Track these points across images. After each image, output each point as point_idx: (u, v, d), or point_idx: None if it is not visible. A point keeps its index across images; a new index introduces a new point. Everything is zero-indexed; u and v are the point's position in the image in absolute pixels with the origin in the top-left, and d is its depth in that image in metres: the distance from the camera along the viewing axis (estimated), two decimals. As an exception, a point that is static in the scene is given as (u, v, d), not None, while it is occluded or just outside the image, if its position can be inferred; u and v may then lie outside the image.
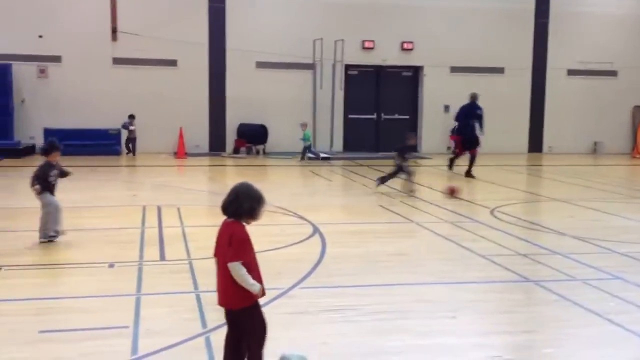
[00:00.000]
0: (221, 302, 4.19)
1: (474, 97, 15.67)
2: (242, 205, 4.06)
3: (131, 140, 18.44)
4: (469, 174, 14.98)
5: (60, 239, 8.01)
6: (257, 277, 4.09)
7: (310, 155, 18.60)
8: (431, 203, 11.41)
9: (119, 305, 5.84)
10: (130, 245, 8.07)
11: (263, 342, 4.18)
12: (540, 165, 13.71)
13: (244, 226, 4.10)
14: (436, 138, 20.91)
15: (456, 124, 16.33)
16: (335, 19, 19.97)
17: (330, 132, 19.80)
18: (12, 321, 5.32)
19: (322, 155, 18.71)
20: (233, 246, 4.00)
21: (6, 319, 5.36)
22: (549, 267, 7.34)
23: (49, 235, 7.95)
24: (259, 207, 4.12)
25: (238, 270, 3.98)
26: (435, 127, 20.94)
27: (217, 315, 5.55)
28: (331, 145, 19.76)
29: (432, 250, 8.16)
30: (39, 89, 18.57)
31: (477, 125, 15.13)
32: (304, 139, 18.47)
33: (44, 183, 8.02)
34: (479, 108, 15.48)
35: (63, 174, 8.39)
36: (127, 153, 18.55)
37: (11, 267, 6.90)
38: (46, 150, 8.19)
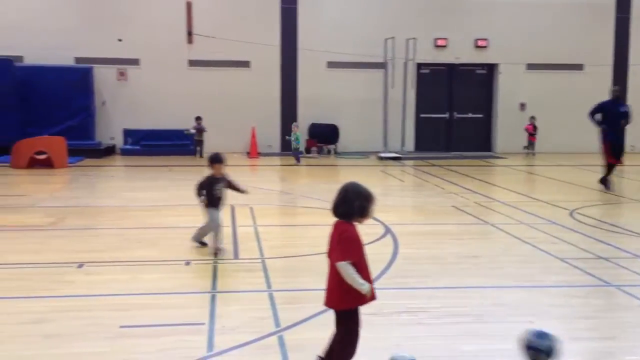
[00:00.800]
0: (326, 302, 4.17)
1: (617, 93, 13.21)
2: (352, 204, 4.04)
3: (199, 142, 18.31)
4: (605, 181, 12.80)
5: (219, 254, 7.57)
6: (367, 277, 4.05)
7: (298, 155, 17.59)
8: (507, 204, 11.14)
9: (195, 302, 5.97)
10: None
11: (350, 350, 4.13)
12: (622, 165, 13.17)
13: (354, 226, 4.07)
14: (511, 137, 20.42)
15: (602, 127, 12.71)
16: (407, 17, 19.80)
17: (402, 132, 19.64)
18: (94, 316, 5.52)
19: (393, 155, 18.55)
20: (341, 245, 3.97)
21: (89, 314, 5.57)
22: (632, 271, 7.04)
23: (199, 240, 7.93)
24: (369, 205, 4.09)
25: (346, 269, 3.93)
26: (510, 126, 20.46)
27: (290, 315, 5.61)
28: (402, 145, 19.61)
29: (508, 252, 7.97)
30: (119, 91, 19.24)
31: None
32: (296, 140, 17.60)
33: (209, 196, 7.72)
34: (625, 105, 13.14)
35: (233, 187, 7.92)
36: (196, 155, 18.33)
37: (93, 264, 7.16)
38: (209, 162, 7.70)
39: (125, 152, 18.75)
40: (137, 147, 18.74)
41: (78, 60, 18.84)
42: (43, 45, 18.42)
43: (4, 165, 15.67)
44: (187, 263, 7.24)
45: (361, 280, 3.97)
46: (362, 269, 4.03)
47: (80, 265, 7.07)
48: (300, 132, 18.16)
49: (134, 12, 18.90)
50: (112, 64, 19.04)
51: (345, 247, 3.97)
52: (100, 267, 7.07)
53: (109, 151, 18.74)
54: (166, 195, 12.20)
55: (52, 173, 14.81)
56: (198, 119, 18.20)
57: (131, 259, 7.41)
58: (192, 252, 7.77)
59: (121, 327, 5.25)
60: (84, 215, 10.18)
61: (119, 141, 19.18)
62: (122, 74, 19.22)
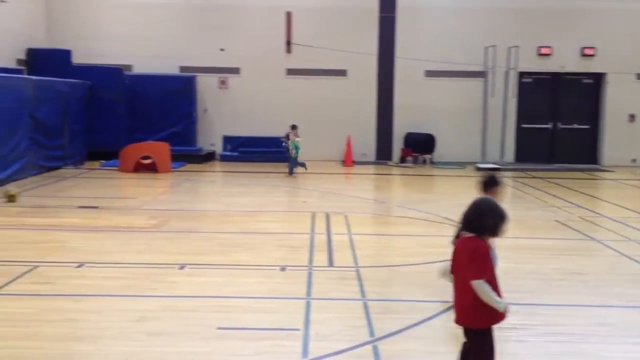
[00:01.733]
0: (458, 320, 4.07)
1: None
2: (486, 221, 3.94)
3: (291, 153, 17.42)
4: None
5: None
6: (498, 294, 3.95)
7: (296, 165, 16.30)
8: (614, 220, 10.60)
9: (291, 307, 6.03)
10: (301, 250, 8.33)
11: None
12: None
13: (485, 242, 3.96)
14: (619, 150, 19.45)
15: None
16: (509, 24, 19.29)
17: (501, 142, 19.12)
18: (193, 317, 5.69)
19: (491, 165, 18.09)
20: (475, 263, 3.87)
21: (189, 314, 5.74)
22: None
23: None
24: (502, 224, 3.97)
25: (483, 288, 3.84)
26: (618, 138, 19.48)
27: (384, 324, 5.57)
28: (502, 156, 19.08)
29: (615, 270, 7.57)
30: (220, 98, 19.82)
31: None
32: (295, 149, 16.12)
33: None
34: None
35: None
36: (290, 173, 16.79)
37: (194, 266, 7.39)
38: (484, 186, 6.33)
39: (224, 158, 19.27)
40: (236, 154, 19.22)
41: (183, 69, 19.58)
42: (150, 54, 19.27)
43: (113, 169, 16.46)
44: (283, 269, 7.34)
45: (497, 298, 3.88)
46: (494, 286, 3.92)
47: (182, 267, 7.31)
48: (300, 139, 16.42)
49: (236, 22, 19.44)
50: (214, 73, 19.65)
51: (479, 264, 3.86)
52: (200, 269, 7.29)
53: (209, 157, 19.32)
54: (263, 201, 12.42)
55: (156, 177, 15.43)
56: (293, 127, 17.44)
57: (229, 263, 7.59)
58: (287, 258, 7.86)
59: (219, 328, 5.38)
60: (186, 218, 10.52)
61: (218, 147, 19.75)
62: (223, 82, 19.81)
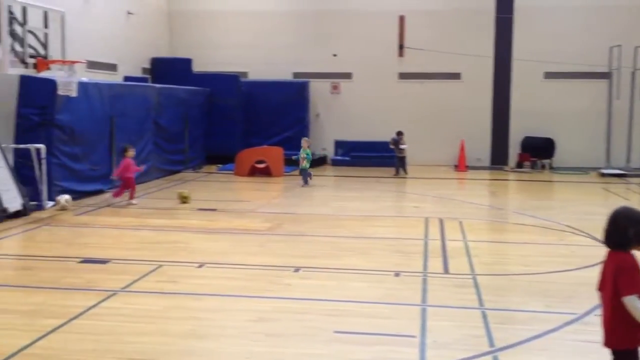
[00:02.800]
0: (606, 342, 3.75)
1: None
2: (626, 232, 3.62)
3: (400, 159, 17.25)
4: None
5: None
6: None
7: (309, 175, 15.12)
8: None
9: (406, 314, 5.96)
10: (414, 255, 8.22)
11: None
12: None
13: (632, 255, 3.65)
14: None
15: None
16: (636, 23, 18.20)
17: (627, 146, 18.03)
18: (309, 319, 5.74)
19: (616, 171, 17.11)
20: (624, 278, 3.57)
21: (305, 317, 5.80)
22: None
23: None
24: None
25: (634, 303, 3.52)
26: None
27: (504, 335, 5.37)
28: (628, 161, 17.99)
29: None
30: (332, 103, 20.02)
31: None
32: (307, 157, 15.06)
33: None
34: None
35: None
36: (395, 174, 16.94)
37: (308, 269, 7.47)
38: None
39: (335, 163, 19.44)
40: (347, 158, 19.33)
41: (296, 75, 19.95)
42: (265, 61, 19.79)
43: (229, 172, 17.01)
44: (397, 274, 7.26)
45: None
46: None
47: (297, 270, 7.41)
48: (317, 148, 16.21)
49: (349, 28, 19.57)
50: (327, 78, 19.87)
51: (627, 279, 3.56)
52: (314, 272, 7.36)
53: (321, 161, 19.53)
54: (375, 206, 12.40)
55: (270, 181, 15.78)
56: (399, 133, 17.25)
57: (342, 267, 7.61)
58: (400, 263, 7.79)
59: (335, 332, 5.39)
60: (299, 222, 10.68)
61: (330, 152, 19.94)
62: (335, 87, 19.99)
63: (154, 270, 7.28)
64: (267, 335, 5.31)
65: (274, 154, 16.82)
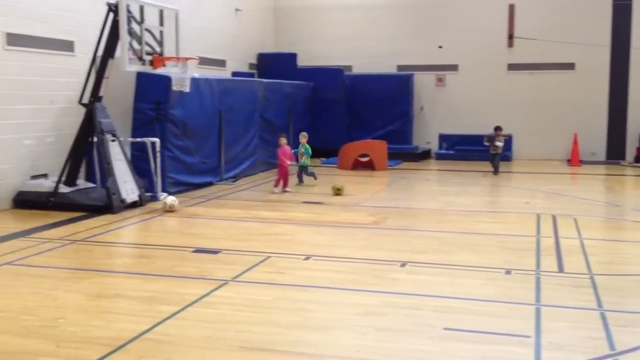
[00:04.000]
0: None
1: None
2: None
3: (494, 156, 15.83)
4: None
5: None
6: None
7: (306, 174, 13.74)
8: None
9: (519, 313, 5.74)
10: (526, 253, 7.93)
11: None
12: None
13: None
14: None
15: None
16: None
17: None
18: (418, 315, 5.65)
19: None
20: None
21: (412, 312, 5.72)
22: None
23: None
24: None
25: None
26: None
27: (626, 338, 5.08)
28: None
29: None
30: (437, 96, 19.69)
31: None
32: (306, 153, 13.69)
33: None
34: None
35: None
36: (494, 173, 15.49)
37: (415, 264, 7.37)
38: None
39: (440, 157, 19.11)
40: (452, 152, 18.96)
41: (400, 67, 19.76)
42: (369, 54, 19.73)
43: (333, 166, 17.10)
44: (508, 272, 7.03)
45: None
46: None
47: (403, 264, 7.33)
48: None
49: (455, 19, 19.16)
50: (432, 71, 19.56)
51: None
52: (421, 268, 7.25)
53: (425, 155, 19.28)
54: (481, 201, 12.09)
55: (373, 175, 15.72)
56: (497, 129, 15.85)
57: (450, 263, 7.45)
58: (512, 261, 7.53)
59: (445, 329, 5.28)
60: (404, 216, 10.57)
61: (434, 145, 19.63)
62: (440, 79, 19.63)
63: (262, 262, 7.42)
64: (376, 329, 5.28)
65: (377, 147, 16.75)
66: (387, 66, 19.67)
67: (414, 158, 18.48)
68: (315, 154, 18.53)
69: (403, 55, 19.63)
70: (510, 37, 18.60)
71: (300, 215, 10.35)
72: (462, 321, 5.50)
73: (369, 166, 16.43)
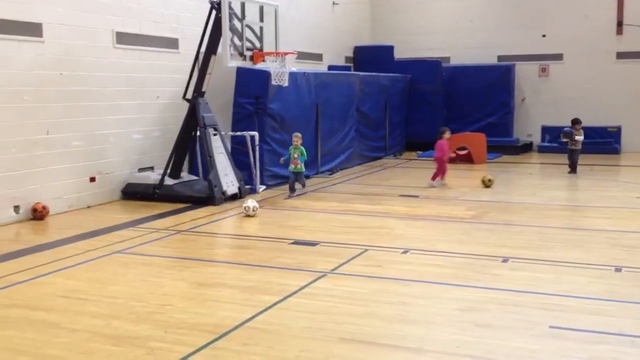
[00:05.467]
0: None
1: None
2: None
3: (573, 152, 14.24)
4: None
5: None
6: None
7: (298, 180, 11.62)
8: None
9: (631, 312, 5.46)
10: (638, 250, 7.52)
11: None
12: None
13: None
14: None
15: None
16: None
17: None
18: (522, 312, 5.47)
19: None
20: None
21: (516, 309, 5.54)
22: None
23: None
24: None
25: None
26: None
27: None
28: None
29: None
30: (539, 87, 19.00)
31: None
32: (300, 157, 11.40)
33: None
34: None
35: None
36: (570, 171, 14.08)
37: (517, 259, 7.15)
38: None
39: (542, 150, 18.45)
40: (555, 145, 18.22)
41: (500, 58, 19.20)
42: (468, 45, 19.30)
43: (429, 159, 16.84)
44: (618, 269, 6.69)
45: None
46: None
47: (505, 260, 7.12)
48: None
49: (559, 6, 18.41)
50: (534, 60, 18.88)
51: None
52: (524, 264, 7.02)
53: (526, 148, 18.67)
54: (589, 196, 11.57)
55: (472, 168, 15.38)
56: (575, 122, 14.31)
57: (555, 259, 7.17)
58: (622, 258, 7.16)
59: (551, 327, 5.09)
60: (505, 210, 10.28)
61: (536, 138, 18.97)
62: (543, 69, 18.93)
63: (360, 254, 7.43)
64: (477, 325, 5.16)
65: (476, 140, 16.37)
66: (486, 57, 19.17)
67: (514, 151, 17.93)
68: (411, 147, 18.46)
69: (504, 46, 19.06)
70: (619, 24, 17.65)
71: (397, 209, 10.28)
72: (569, 319, 5.29)
73: (468, 159, 16.09)
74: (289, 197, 11.33)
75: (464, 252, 7.48)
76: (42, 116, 9.62)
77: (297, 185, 11.62)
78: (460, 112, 18.80)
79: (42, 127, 9.63)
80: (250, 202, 9.76)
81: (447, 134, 12.98)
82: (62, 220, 9.48)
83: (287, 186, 11.71)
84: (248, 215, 9.60)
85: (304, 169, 11.57)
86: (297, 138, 11.45)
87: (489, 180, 12.22)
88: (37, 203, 9.44)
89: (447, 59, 19.56)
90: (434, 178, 12.63)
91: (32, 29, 9.43)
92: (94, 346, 4.76)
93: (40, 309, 5.61)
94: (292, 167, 11.40)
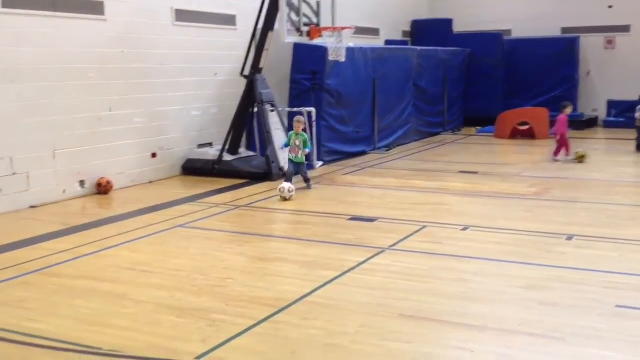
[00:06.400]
0: None
1: None
2: None
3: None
4: None
5: None
6: None
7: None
8: None
9: None
10: None
11: None
12: None
13: None
14: None
15: None
16: None
17: None
18: (586, 290, 5.33)
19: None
20: None
21: (581, 288, 5.41)
22: None
23: None
24: None
25: None
26: None
27: None
28: None
29: None
30: (605, 60, 18.31)
31: None
32: (304, 145, 9.80)
33: None
34: None
35: None
36: (637, 147, 13.39)
37: (582, 237, 6.96)
38: None
39: (608, 124, 17.85)
40: (622, 120, 17.59)
41: (564, 30, 18.57)
42: (530, 17, 18.71)
43: (489, 135, 16.54)
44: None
45: None
46: None
47: (570, 238, 6.94)
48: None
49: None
50: (600, 32, 18.19)
51: None
52: (589, 242, 6.83)
53: (591, 123, 18.09)
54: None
55: (534, 144, 15.00)
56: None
57: (622, 237, 6.95)
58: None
59: (617, 306, 4.94)
60: (569, 187, 10.00)
61: (601, 113, 18.35)
62: (609, 42, 18.22)
63: (418, 231, 7.36)
64: (540, 303, 5.05)
65: (538, 115, 15.94)
66: (549, 29, 18.54)
67: (578, 126, 17.35)
68: (470, 123, 18.12)
69: (567, 17, 18.41)
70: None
71: (457, 185, 10.12)
72: (636, 299, 5.13)
73: (529, 135, 15.70)
74: (281, 198, 9.16)
75: (527, 230, 7.32)
76: (105, 93, 9.83)
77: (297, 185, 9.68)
78: (522, 87, 18.32)
79: (105, 104, 9.85)
80: (286, 184, 9.16)
81: (569, 109, 12.81)
82: (125, 194, 9.72)
83: (343, 162, 11.61)
84: (283, 198, 8.99)
85: (303, 160, 9.81)
86: (299, 123, 9.82)
87: (582, 156, 12.03)
88: (102, 178, 9.69)
89: (509, 31, 19.02)
90: (556, 153, 12.45)
91: (95, 8, 9.61)
92: (158, 317, 4.88)
93: (107, 280, 5.77)
94: (291, 155, 9.74)
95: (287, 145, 9.94)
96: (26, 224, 7.94)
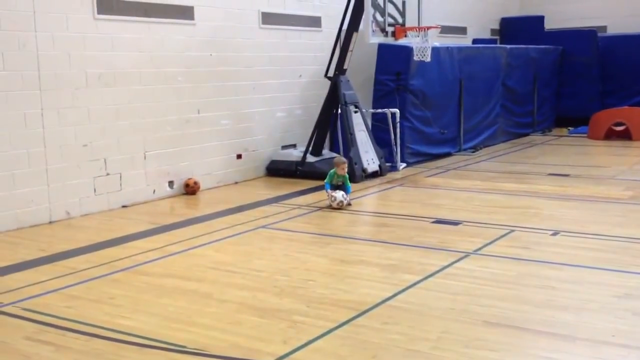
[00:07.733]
0: None
1: None
2: None
3: None
4: None
5: None
6: None
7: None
8: None
9: None
10: None
11: None
12: None
13: None
14: None
15: None
16: None
17: None
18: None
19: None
20: None
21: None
22: None
23: None
24: None
25: None
26: None
27: None
28: None
29: None
30: None
31: None
32: (344, 185, 9.00)
33: None
34: None
35: None
36: None
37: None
38: None
39: None
40: None
41: (667, 25, 17.59)
42: (629, 13, 17.84)
43: (581, 136, 15.89)
44: None
45: None
46: None
47: (669, 245, 6.56)
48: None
49: None
50: None
51: None
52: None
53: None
54: None
55: (630, 145, 14.29)
56: None
57: None
58: None
59: None
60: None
61: None
62: None
63: (505, 235, 7.14)
64: (635, 314, 4.78)
65: (634, 115, 15.17)
66: (648, 25, 17.62)
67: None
68: (562, 123, 17.46)
69: (669, 12, 17.43)
70: None
71: (546, 188, 9.77)
72: None
73: (625, 136, 14.96)
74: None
75: (622, 235, 6.97)
76: (194, 96, 10.09)
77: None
78: (618, 85, 17.44)
79: (194, 106, 10.12)
80: (339, 194, 8.69)
81: None
82: (211, 195, 9.95)
83: (427, 164, 11.44)
84: (331, 207, 8.68)
85: (344, 200, 8.73)
86: (343, 165, 9.00)
87: None
88: (189, 179, 9.96)
89: (604, 28, 18.20)
90: None
91: (185, 12, 9.88)
92: (241, 317, 4.95)
93: (192, 279, 5.91)
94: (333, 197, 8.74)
95: (329, 185, 8.98)
96: (118, 223, 8.25)
